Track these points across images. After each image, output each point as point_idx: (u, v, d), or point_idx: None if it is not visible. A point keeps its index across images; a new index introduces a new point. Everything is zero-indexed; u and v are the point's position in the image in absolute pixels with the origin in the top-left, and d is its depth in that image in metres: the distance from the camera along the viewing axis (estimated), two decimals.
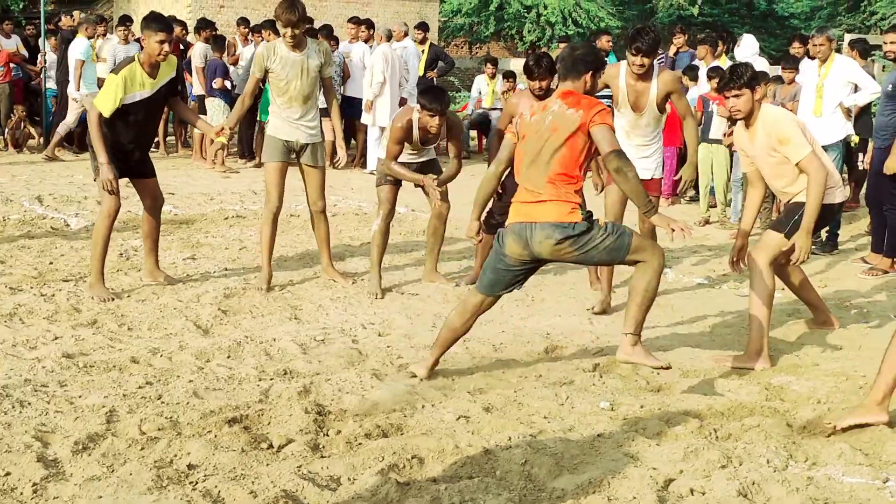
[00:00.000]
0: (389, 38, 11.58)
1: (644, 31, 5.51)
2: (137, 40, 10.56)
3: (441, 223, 6.37)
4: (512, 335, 5.38)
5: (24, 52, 13.05)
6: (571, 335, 5.45)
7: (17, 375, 4.26)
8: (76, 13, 13.17)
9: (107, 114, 5.56)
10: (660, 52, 12.85)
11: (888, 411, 3.73)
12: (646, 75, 5.54)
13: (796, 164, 4.75)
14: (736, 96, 4.75)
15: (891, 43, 6.98)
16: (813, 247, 5.09)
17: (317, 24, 13.21)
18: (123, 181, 5.87)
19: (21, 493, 3.15)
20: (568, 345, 5.29)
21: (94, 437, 3.60)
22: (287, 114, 6.01)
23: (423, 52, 12.64)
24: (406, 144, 5.99)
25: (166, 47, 5.63)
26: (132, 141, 5.84)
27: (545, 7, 22.07)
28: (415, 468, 3.47)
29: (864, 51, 9.17)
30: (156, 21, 5.73)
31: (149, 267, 6.12)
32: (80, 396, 4.04)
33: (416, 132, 5.89)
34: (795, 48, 10.08)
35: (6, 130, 11.91)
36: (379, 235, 6.16)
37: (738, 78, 4.75)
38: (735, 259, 5.16)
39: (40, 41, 12.44)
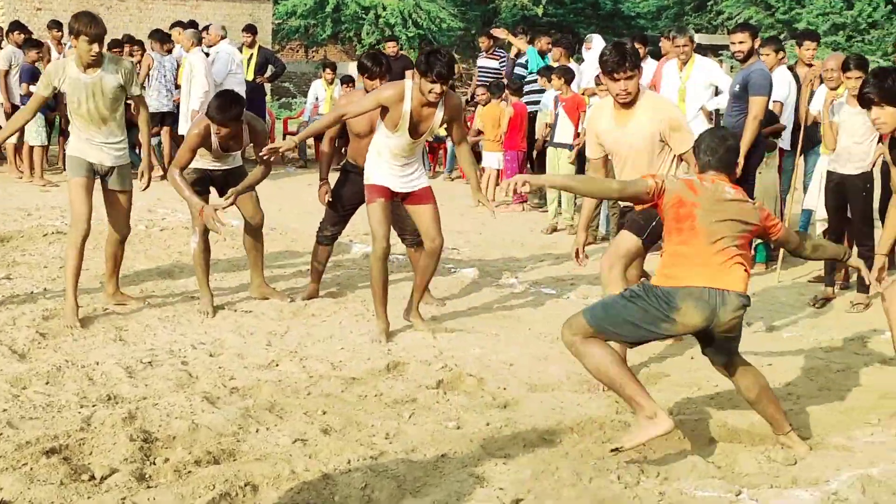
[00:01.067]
0: (200, 42, 10.68)
1: (440, 55, 4.91)
2: None
3: (255, 236, 5.89)
4: (351, 352, 5.01)
5: None
6: (413, 350, 5.09)
7: None
8: None
9: None
10: (502, 52, 12.31)
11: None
12: (434, 103, 5.02)
13: (680, 155, 4.46)
14: (629, 78, 4.37)
15: (739, 42, 6.54)
16: None
17: (145, 29, 12.36)
18: None
19: None
20: (410, 360, 4.92)
21: None
22: (87, 135, 5.42)
23: (251, 55, 11.78)
24: (206, 151, 5.46)
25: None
26: None
27: (384, 8, 20.81)
28: (248, 496, 3.19)
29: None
30: None
31: None
32: None
33: (213, 139, 5.37)
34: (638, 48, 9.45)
35: None
36: (199, 253, 5.71)
37: (630, 58, 4.37)
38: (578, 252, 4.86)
39: None
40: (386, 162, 5.16)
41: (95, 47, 5.13)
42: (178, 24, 11.75)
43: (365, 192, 5.20)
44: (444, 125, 5.36)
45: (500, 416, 4.12)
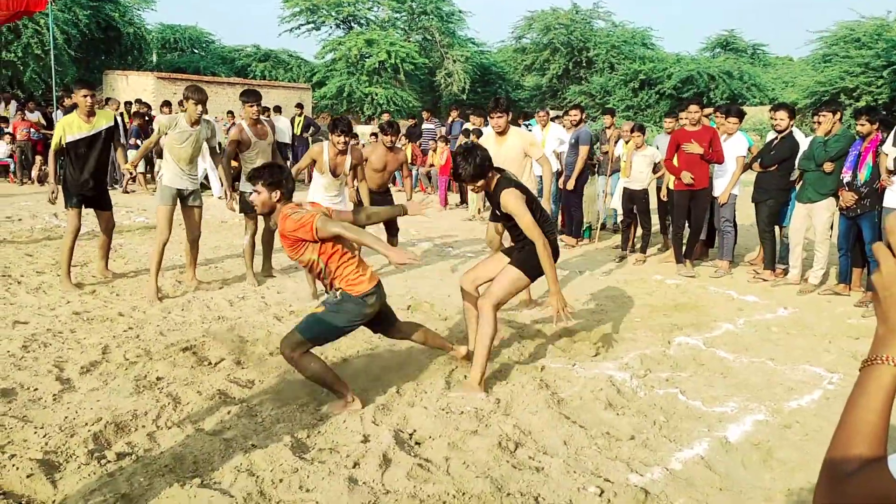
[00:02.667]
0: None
1: (342, 119, 6.37)
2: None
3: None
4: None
5: (43, 122, 15.29)
6: (390, 289, 6.77)
7: (43, 327, 5.17)
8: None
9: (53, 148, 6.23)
10: (436, 120, 17.33)
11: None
12: (344, 151, 6.37)
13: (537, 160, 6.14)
14: (500, 116, 6.00)
15: (572, 114, 9.72)
16: None
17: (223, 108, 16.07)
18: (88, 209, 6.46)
19: (45, 401, 3.87)
20: (392, 294, 6.52)
21: (94, 363, 4.45)
22: (179, 169, 6.21)
23: (300, 121, 16.44)
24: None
25: (89, 100, 6.15)
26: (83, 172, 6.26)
27: (377, 95, 29.68)
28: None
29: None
30: (79, 82, 6.41)
31: (100, 267, 6.77)
32: (85, 338, 4.95)
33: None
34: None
35: (33, 171, 14.37)
36: (248, 248, 6.69)
37: (501, 105, 6.05)
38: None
39: (53, 114, 14.07)
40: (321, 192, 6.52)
41: (200, 108, 6.06)
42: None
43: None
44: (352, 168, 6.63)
45: (442, 324, 5.59)
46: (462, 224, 11.13)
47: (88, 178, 6.34)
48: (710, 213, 8.15)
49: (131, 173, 6.79)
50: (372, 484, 3.11)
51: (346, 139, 6.29)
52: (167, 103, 15.17)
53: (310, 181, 7.01)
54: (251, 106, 6.56)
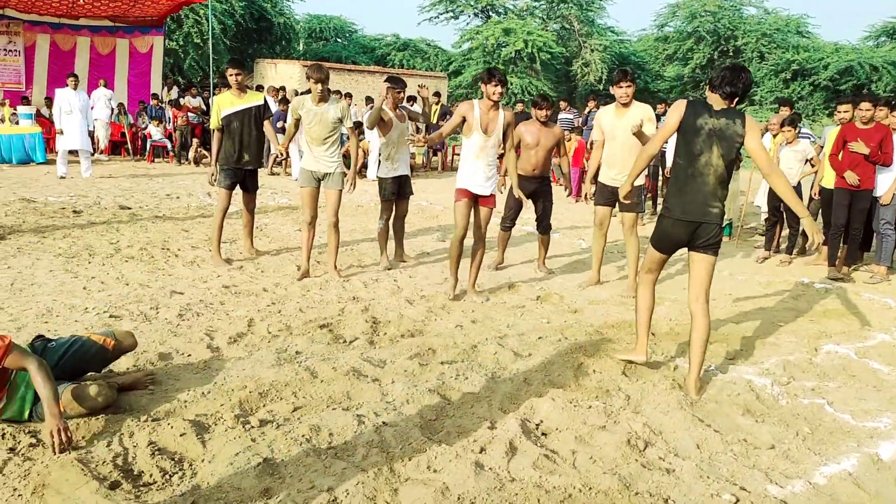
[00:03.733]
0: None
1: (499, 71, 5.62)
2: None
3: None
4: (486, 279, 6.59)
5: (203, 107, 16.52)
6: (521, 278, 6.70)
7: (196, 298, 5.55)
8: None
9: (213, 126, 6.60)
10: (574, 111, 16.86)
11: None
12: (497, 105, 5.69)
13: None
14: (628, 86, 5.96)
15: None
16: None
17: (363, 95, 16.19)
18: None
19: (196, 365, 4.18)
20: (521, 285, 6.46)
21: (240, 334, 4.73)
22: (313, 151, 6.28)
23: (437, 108, 16.15)
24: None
25: (237, 77, 6.47)
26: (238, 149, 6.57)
27: (512, 84, 28.78)
28: (430, 356, 4.51)
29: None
30: (230, 61, 6.71)
31: (246, 245, 7.13)
32: (233, 310, 5.27)
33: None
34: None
35: (190, 153, 15.28)
36: (383, 232, 6.79)
37: (629, 75, 5.98)
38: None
39: (210, 100, 15.09)
40: (472, 163, 5.76)
41: (319, 86, 6.08)
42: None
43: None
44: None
45: (573, 317, 5.53)
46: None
47: (241, 154, 6.66)
48: (868, 214, 7.57)
49: (282, 154, 7.01)
50: (498, 470, 3.13)
51: (502, 90, 5.59)
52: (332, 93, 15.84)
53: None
54: (398, 92, 6.69)
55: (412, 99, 16.96)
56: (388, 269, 6.82)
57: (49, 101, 15.36)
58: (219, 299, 5.59)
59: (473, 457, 3.21)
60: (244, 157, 6.71)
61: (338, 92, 16.18)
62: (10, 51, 16.60)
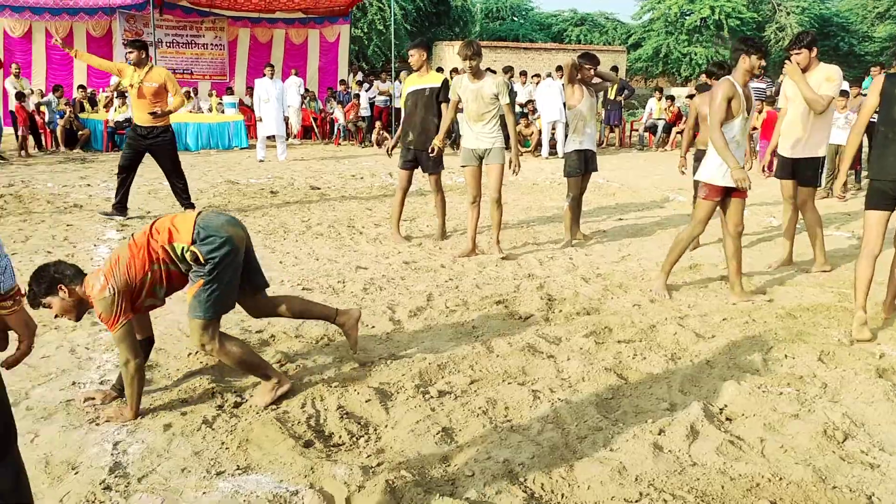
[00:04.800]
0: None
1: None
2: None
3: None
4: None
5: (392, 91, 17.01)
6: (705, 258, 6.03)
7: (379, 273, 5.82)
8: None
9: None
10: (769, 79, 15.23)
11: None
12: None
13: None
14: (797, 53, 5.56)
15: None
16: None
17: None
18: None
19: (380, 336, 4.40)
20: (704, 263, 6.13)
21: (420, 308, 4.90)
22: (471, 128, 6.26)
23: (615, 84, 15.33)
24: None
25: (412, 58, 6.55)
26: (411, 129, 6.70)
27: (696, 55, 28.63)
28: (606, 334, 4.44)
29: None
30: (411, 44, 6.79)
31: (439, 225, 7.11)
32: (413, 285, 5.47)
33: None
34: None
35: (373, 135, 16.01)
36: (569, 210, 6.71)
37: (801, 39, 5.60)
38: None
39: (392, 85, 16.63)
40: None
41: (467, 63, 5.98)
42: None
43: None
44: None
45: (761, 298, 5.20)
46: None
47: (408, 134, 6.73)
48: None
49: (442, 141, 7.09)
50: (678, 453, 3.02)
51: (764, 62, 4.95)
52: (488, 70, 15.93)
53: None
54: (588, 69, 6.60)
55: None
56: (569, 248, 6.73)
57: (250, 90, 16.66)
58: (400, 274, 5.82)
59: (652, 438, 3.12)
60: (409, 136, 6.76)
61: (509, 69, 16.08)
62: (216, 45, 18.17)
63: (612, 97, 15.84)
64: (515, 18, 34.60)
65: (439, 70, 16.08)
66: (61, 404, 3.40)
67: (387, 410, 3.40)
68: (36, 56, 16.45)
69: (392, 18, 17.62)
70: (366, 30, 24.52)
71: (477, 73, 6.13)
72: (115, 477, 2.81)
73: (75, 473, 2.84)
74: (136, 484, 2.77)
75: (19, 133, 13.30)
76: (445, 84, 6.72)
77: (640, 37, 30.65)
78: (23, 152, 13.08)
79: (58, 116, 14.06)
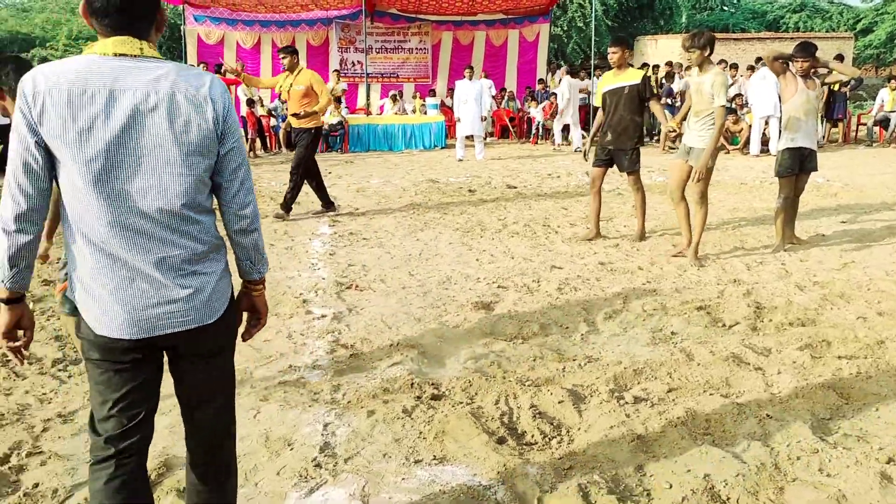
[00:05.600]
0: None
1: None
2: None
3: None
4: None
5: (590, 89, 16.35)
6: None
7: (574, 273, 5.74)
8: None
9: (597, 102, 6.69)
10: None
11: None
12: None
13: None
14: None
15: None
16: None
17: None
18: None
19: (574, 338, 4.33)
20: None
21: (616, 311, 4.75)
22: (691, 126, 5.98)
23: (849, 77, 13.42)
24: None
25: (613, 56, 6.43)
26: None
27: None
28: (824, 349, 4.08)
29: None
30: (612, 40, 6.68)
31: (638, 226, 6.86)
32: (608, 287, 5.30)
33: None
34: None
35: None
36: (781, 210, 6.30)
37: None
38: None
39: (591, 83, 15.40)
40: None
41: (693, 54, 5.80)
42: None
43: None
44: None
45: None
46: None
47: (606, 132, 6.62)
48: None
49: (674, 130, 6.90)
50: None
51: None
52: (720, 62, 15.04)
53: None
54: (805, 62, 6.12)
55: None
56: (781, 252, 6.28)
57: (451, 91, 17.17)
58: (595, 275, 5.73)
59: (879, 466, 2.82)
60: (607, 135, 6.63)
61: (722, 62, 15.21)
62: (420, 49, 18.93)
63: (835, 88, 14.52)
64: (726, 8, 32.67)
65: (643, 66, 15.60)
66: (279, 385, 3.71)
67: (580, 413, 3.36)
68: (264, 65, 18.09)
69: (593, 15, 17.34)
70: (565, 28, 24.35)
71: (701, 66, 5.87)
72: (325, 456, 3.02)
73: (290, 449, 3.08)
74: (343, 464, 2.96)
75: (248, 136, 14.69)
76: (646, 81, 6.51)
77: (871, 21, 27.70)
78: (251, 153, 14.46)
79: (280, 121, 15.36)
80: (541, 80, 18.15)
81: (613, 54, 6.53)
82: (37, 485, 2.84)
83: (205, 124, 1.87)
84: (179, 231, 1.87)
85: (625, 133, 6.57)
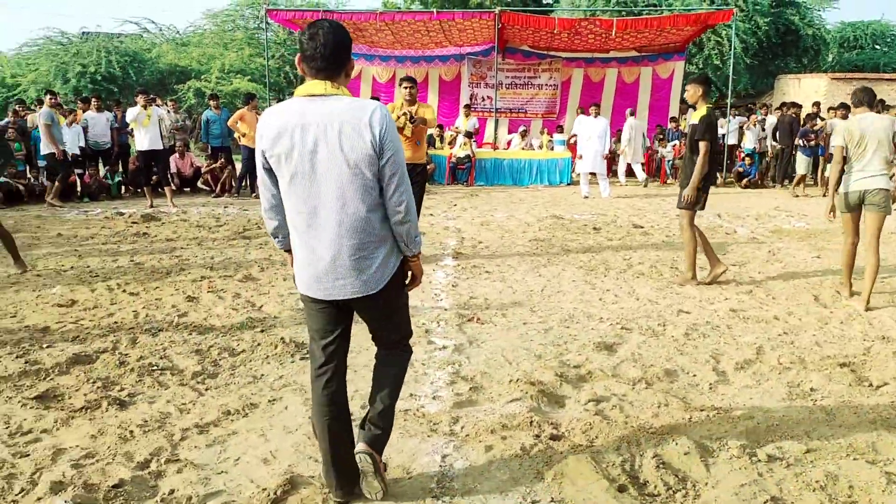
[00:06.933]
0: None
1: None
2: None
3: None
4: None
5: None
6: None
7: (703, 319, 5.52)
8: None
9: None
10: None
11: None
12: None
13: None
14: None
15: None
16: None
17: None
18: None
19: (702, 387, 4.12)
20: None
21: (748, 361, 4.54)
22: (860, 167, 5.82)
23: None
24: None
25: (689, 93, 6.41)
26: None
27: None
28: None
29: None
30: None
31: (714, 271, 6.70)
32: (740, 335, 5.07)
33: None
34: None
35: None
36: None
37: None
38: None
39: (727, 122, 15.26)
40: None
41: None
42: None
43: None
44: None
45: None
46: None
47: (681, 172, 6.71)
48: None
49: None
50: None
51: None
52: (843, 105, 14.35)
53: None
54: None
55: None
56: None
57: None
58: (726, 322, 5.49)
59: None
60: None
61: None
62: (550, 85, 18.99)
63: None
64: (878, 46, 30.82)
65: (782, 105, 14.94)
66: (400, 413, 3.77)
67: (707, 467, 3.20)
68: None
69: (731, 53, 16.81)
70: (700, 66, 23.73)
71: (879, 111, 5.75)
72: (442, 488, 3.03)
73: (409, 478, 3.11)
74: (460, 499, 2.96)
75: None
76: (703, 121, 6.36)
77: None
78: None
79: None
80: (673, 119, 17.74)
81: (687, 92, 6.56)
82: (172, 491, 3.00)
83: (366, 146, 2.48)
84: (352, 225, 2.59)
85: (684, 172, 6.62)
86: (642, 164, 15.68)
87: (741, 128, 16.25)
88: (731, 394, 4.10)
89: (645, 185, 15.32)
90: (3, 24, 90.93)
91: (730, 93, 16.12)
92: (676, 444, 3.38)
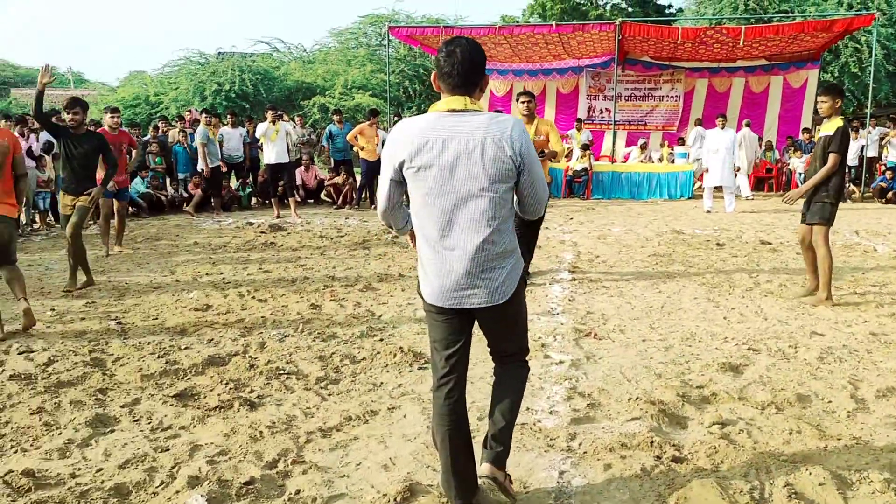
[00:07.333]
0: None
1: None
2: None
3: None
4: None
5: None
6: None
7: (839, 342, 5.21)
8: None
9: None
10: None
11: None
12: None
13: None
14: None
15: None
16: None
17: None
18: None
19: (838, 415, 3.89)
20: None
21: (891, 389, 4.20)
22: None
23: None
24: None
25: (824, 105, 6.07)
26: None
27: None
28: None
29: None
30: None
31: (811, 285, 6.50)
32: (882, 361, 4.73)
33: None
34: None
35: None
36: None
37: None
38: None
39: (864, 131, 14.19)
40: None
41: None
42: None
43: None
44: None
45: None
46: None
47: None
48: None
49: None
50: None
51: None
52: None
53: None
54: None
55: None
56: None
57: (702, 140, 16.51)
58: (865, 346, 5.15)
59: None
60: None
61: None
62: (671, 97, 18.50)
63: None
64: None
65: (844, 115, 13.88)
66: (517, 426, 3.74)
67: (845, 500, 3.01)
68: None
69: (872, 59, 15.80)
70: (836, 74, 22.42)
71: None
72: None
73: (526, 492, 3.10)
74: None
75: None
76: (839, 132, 6.11)
77: None
78: None
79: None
80: (805, 130, 16.86)
81: (821, 103, 6.22)
82: (299, 491, 3.12)
83: (506, 160, 2.55)
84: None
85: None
86: (747, 177, 15.00)
87: (882, 139, 15.22)
88: (872, 423, 3.84)
89: (749, 199, 14.66)
90: (150, 46, 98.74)
91: (870, 102, 15.15)
92: (810, 473, 3.19)
